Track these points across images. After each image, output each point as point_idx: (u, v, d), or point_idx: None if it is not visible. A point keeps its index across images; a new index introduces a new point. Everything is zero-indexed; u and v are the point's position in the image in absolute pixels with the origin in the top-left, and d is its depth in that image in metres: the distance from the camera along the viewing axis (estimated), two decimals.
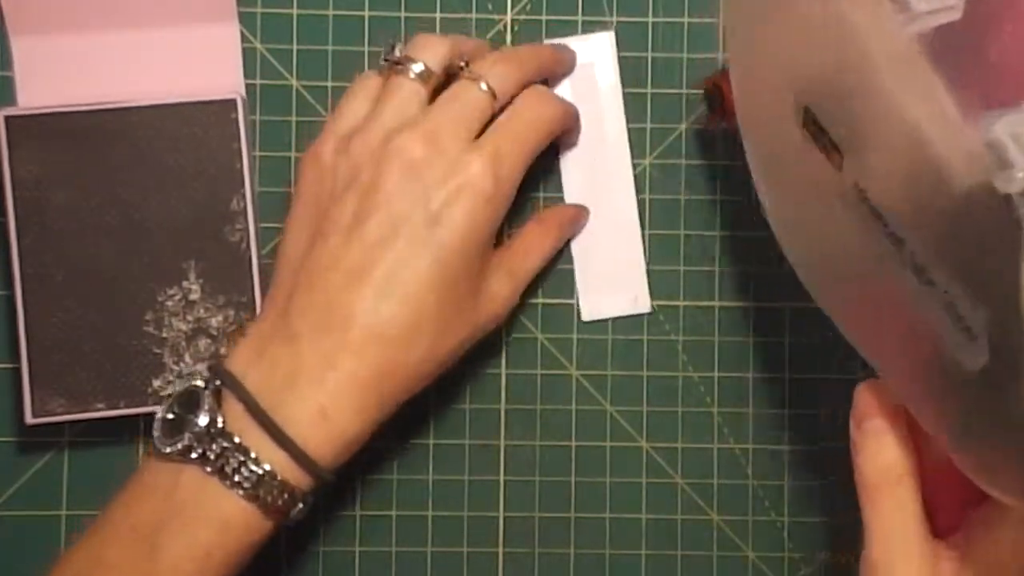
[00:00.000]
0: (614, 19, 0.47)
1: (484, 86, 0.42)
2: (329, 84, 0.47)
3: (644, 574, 0.47)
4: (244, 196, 0.45)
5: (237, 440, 0.38)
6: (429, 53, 0.42)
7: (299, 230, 0.41)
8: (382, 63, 0.43)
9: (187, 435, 0.38)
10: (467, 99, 0.42)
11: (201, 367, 0.44)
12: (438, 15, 0.47)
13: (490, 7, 0.47)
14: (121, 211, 0.45)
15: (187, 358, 0.45)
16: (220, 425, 0.38)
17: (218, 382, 0.40)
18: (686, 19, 0.47)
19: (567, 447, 0.47)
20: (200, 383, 0.40)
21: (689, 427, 0.47)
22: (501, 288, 0.43)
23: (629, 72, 0.47)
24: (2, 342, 0.47)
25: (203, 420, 0.38)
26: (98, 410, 0.44)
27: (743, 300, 0.48)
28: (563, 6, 0.47)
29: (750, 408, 0.48)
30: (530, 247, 0.45)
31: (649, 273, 0.47)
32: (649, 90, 0.47)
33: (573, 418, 0.47)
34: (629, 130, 0.47)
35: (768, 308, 0.48)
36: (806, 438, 0.48)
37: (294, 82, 0.47)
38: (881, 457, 0.37)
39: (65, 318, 0.44)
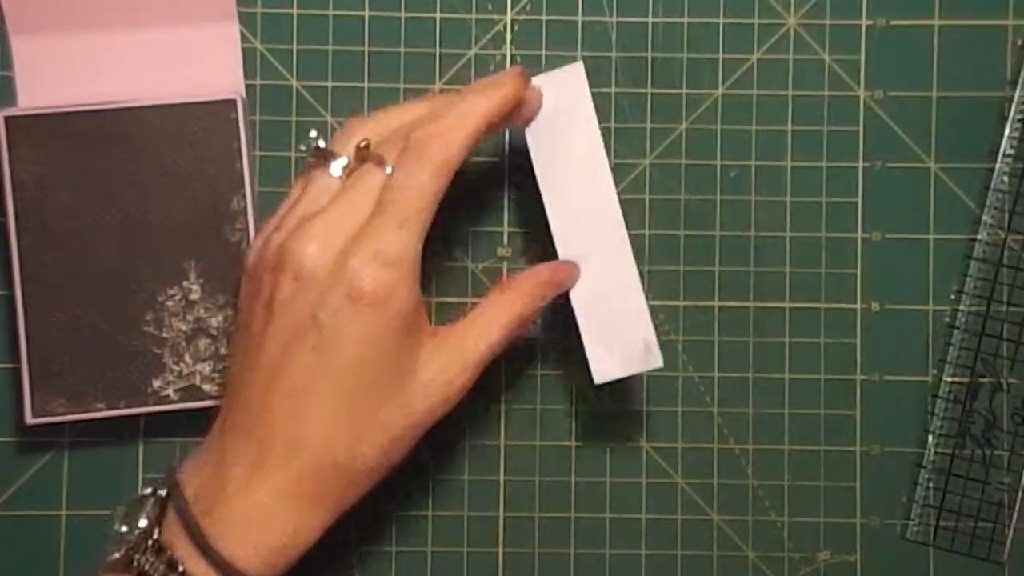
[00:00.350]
0: (614, 19, 0.47)
1: (388, 171, 0.39)
2: (329, 84, 0.47)
3: (644, 574, 0.47)
4: (244, 196, 0.45)
5: (168, 553, 0.37)
6: (352, 144, 0.40)
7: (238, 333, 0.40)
8: (307, 157, 0.41)
9: (124, 545, 0.38)
10: (367, 187, 0.39)
11: (202, 367, 0.45)
12: (438, 15, 0.47)
13: (490, 7, 0.47)
14: (121, 211, 0.45)
15: (187, 358, 0.45)
16: (156, 536, 0.37)
17: (164, 491, 0.39)
18: (686, 19, 0.47)
19: (567, 447, 0.47)
20: (149, 490, 0.39)
21: (689, 427, 0.47)
22: (445, 373, 0.39)
23: (629, 72, 0.47)
24: (2, 342, 0.47)
25: (142, 524, 0.38)
26: (98, 410, 0.45)
27: (743, 300, 0.48)
28: (563, 6, 0.47)
29: (750, 408, 0.48)
30: (489, 321, 0.40)
31: (649, 273, 0.47)
32: (649, 90, 0.47)
33: (573, 418, 0.47)
34: (630, 130, 0.47)
35: (768, 308, 0.48)
36: (806, 438, 0.48)
37: (294, 82, 0.47)
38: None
39: (65, 318, 0.44)
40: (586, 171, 0.42)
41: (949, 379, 0.48)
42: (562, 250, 0.42)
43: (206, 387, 0.45)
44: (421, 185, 0.38)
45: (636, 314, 0.42)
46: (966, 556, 0.48)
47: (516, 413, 0.47)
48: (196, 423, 0.46)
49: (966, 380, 0.48)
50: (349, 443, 0.38)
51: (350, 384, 0.38)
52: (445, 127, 0.39)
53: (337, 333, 0.37)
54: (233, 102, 0.45)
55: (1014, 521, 0.47)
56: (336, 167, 0.40)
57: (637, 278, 0.42)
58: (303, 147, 0.41)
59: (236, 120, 0.45)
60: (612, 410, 0.47)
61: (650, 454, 0.47)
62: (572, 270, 0.42)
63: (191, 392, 0.45)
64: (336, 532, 0.44)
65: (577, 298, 0.42)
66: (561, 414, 0.47)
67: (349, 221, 0.38)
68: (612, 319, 0.42)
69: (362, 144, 0.39)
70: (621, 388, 0.47)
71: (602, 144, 0.42)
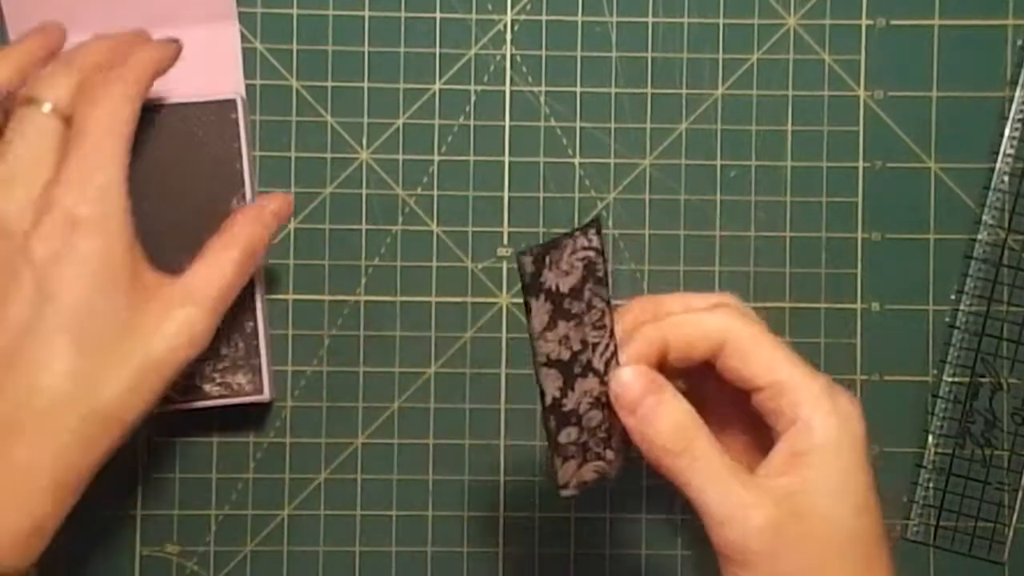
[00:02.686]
0: (614, 19, 0.47)
1: (48, 107, 0.38)
2: (329, 84, 0.47)
3: (644, 574, 0.47)
4: (244, 196, 0.45)
5: None
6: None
7: None
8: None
9: None
10: (31, 133, 0.38)
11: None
12: (438, 15, 0.47)
13: (490, 7, 0.47)
14: None
15: None
16: None
17: None
18: (686, 19, 0.47)
19: None
20: None
21: None
22: (184, 316, 0.38)
23: (629, 72, 0.47)
24: None
25: None
26: None
27: (743, 300, 0.47)
28: (563, 6, 0.47)
29: None
30: (211, 265, 0.40)
31: (650, 273, 0.47)
32: (649, 90, 0.47)
33: None
34: (630, 130, 0.47)
35: (768, 308, 0.47)
36: None
37: (294, 82, 0.47)
38: (672, 419, 0.35)
39: None
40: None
41: (949, 379, 0.48)
42: None
43: (206, 387, 0.45)
44: (115, 108, 0.38)
45: None
46: (966, 556, 0.48)
47: (516, 413, 0.47)
48: (196, 422, 0.46)
49: (966, 380, 0.48)
50: (91, 385, 0.37)
51: (80, 322, 0.37)
52: (129, 67, 0.40)
53: (58, 267, 0.37)
54: (233, 102, 0.45)
55: (1014, 521, 0.48)
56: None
57: None
58: None
59: (236, 120, 0.45)
60: None
61: None
62: (282, 198, 0.42)
63: (190, 391, 0.44)
64: (337, 532, 0.44)
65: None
66: None
67: (23, 175, 0.38)
68: None
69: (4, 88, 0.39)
70: None
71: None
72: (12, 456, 0.36)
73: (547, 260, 0.33)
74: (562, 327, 0.34)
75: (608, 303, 0.35)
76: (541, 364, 0.35)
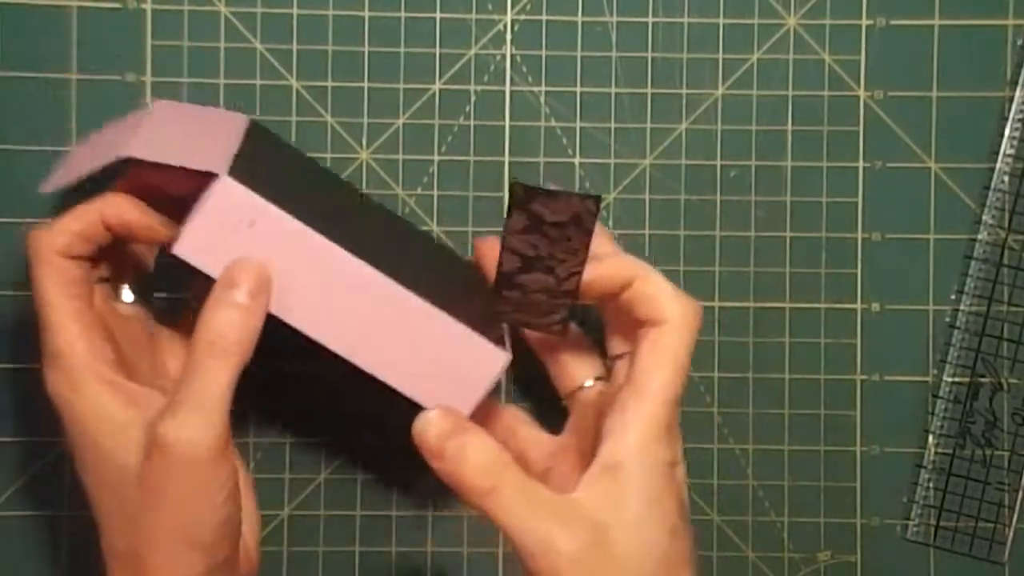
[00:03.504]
0: (614, 19, 0.47)
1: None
2: (329, 84, 0.47)
3: None
4: None
5: None
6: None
7: None
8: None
9: None
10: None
11: None
12: (438, 15, 0.47)
13: (490, 7, 0.47)
14: None
15: None
16: None
17: None
18: (686, 19, 0.47)
19: None
20: None
21: (689, 427, 0.47)
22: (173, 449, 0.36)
23: (629, 72, 0.47)
24: (3, 342, 0.47)
25: None
26: None
27: (743, 300, 0.48)
28: (563, 6, 0.47)
29: (750, 408, 0.48)
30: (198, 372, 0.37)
31: None
32: (649, 90, 0.47)
33: None
34: (630, 130, 0.47)
35: (768, 308, 0.48)
36: (806, 438, 0.48)
37: (294, 82, 0.47)
38: (478, 459, 0.37)
39: None
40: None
41: (949, 379, 0.48)
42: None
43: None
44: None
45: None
46: (966, 556, 0.48)
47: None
48: None
49: (966, 380, 0.48)
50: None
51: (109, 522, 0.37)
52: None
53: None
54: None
55: (1014, 521, 0.47)
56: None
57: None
58: None
59: None
60: None
61: None
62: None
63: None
64: (337, 532, 0.44)
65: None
66: (561, 414, 0.47)
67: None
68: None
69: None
70: None
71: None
72: None
73: (537, 197, 0.36)
74: (534, 239, 0.37)
75: (587, 248, 0.37)
76: (505, 248, 0.37)
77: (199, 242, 0.37)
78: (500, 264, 0.38)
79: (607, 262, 0.39)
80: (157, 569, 0.36)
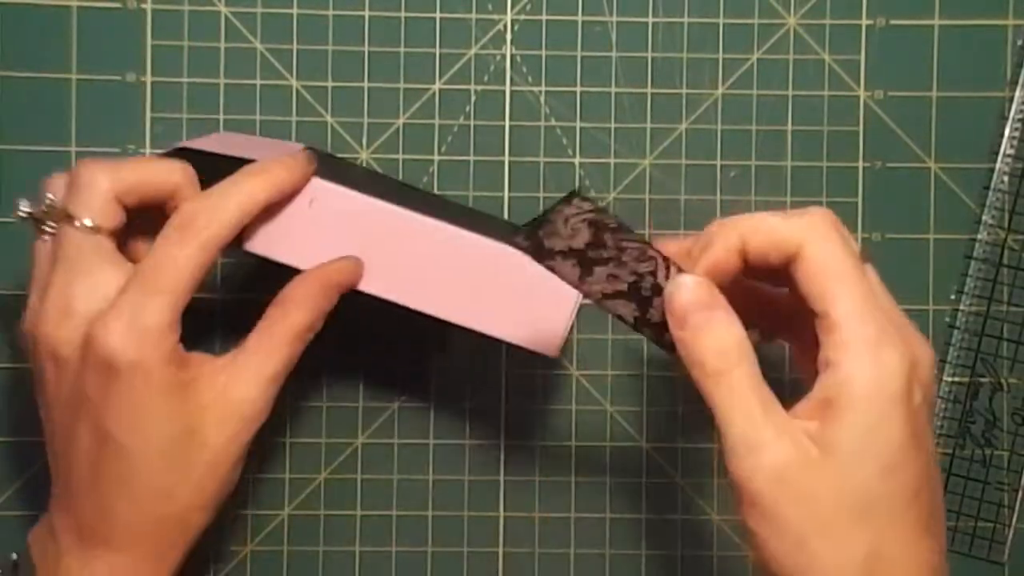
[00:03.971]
0: (614, 19, 0.47)
1: (87, 222, 0.37)
2: (329, 84, 0.47)
3: (644, 574, 0.47)
4: None
5: None
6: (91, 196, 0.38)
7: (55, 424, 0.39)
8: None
9: None
10: (72, 254, 0.37)
11: None
12: (438, 15, 0.47)
13: (490, 7, 0.47)
14: None
15: None
16: None
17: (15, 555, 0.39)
18: (686, 19, 0.47)
19: (567, 447, 0.47)
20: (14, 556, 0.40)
21: (689, 427, 0.47)
22: (245, 395, 0.38)
23: (629, 72, 0.47)
24: (3, 342, 0.47)
25: None
26: None
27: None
28: (563, 6, 0.47)
29: None
30: (271, 339, 0.39)
31: None
32: (649, 90, 0.47)
33: (573, 418, 0.47)
34: (630, 130, 0.47)
35: None
36: None
37: (294, 82, 0.47)
38: (722, 341, 0.34)
39: None
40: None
41: (949, 379, 0.48)
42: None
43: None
44: (186, 256, 0.37)
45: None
46: (966, 556, 0.48)
47: (517, 413, 0.47)
48: None
49: (966, 380, 0.48)
50: (164, 501, 0.38)
51: (135, 457, 0.37)
52: (214, 204, 0.38)
53: (104, 409, 0.37)
54: None
55: (1014, 521, 0.48)
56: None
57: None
58: (22, 212, 0.38)
59: None
60: (612, 410, 0.47)
61: (650, 454, 0.47)
62: (349, 266, 0.40)
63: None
64: (337, 532, 0.44)
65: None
66: (561, 414, 0.47)
67: (76, 291, 0.37)
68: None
69: (48, 202, 0.38)
70: (621, 387, 0.47)
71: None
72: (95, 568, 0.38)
73: (541, 234, 0.34)
74: (599, 271, 0.35)
75: (642, 241, 0.35)
76: (600, 300, 0.35)
77: (269, 235, 0.39)
78: (623, 319, 0.35)
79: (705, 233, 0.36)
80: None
